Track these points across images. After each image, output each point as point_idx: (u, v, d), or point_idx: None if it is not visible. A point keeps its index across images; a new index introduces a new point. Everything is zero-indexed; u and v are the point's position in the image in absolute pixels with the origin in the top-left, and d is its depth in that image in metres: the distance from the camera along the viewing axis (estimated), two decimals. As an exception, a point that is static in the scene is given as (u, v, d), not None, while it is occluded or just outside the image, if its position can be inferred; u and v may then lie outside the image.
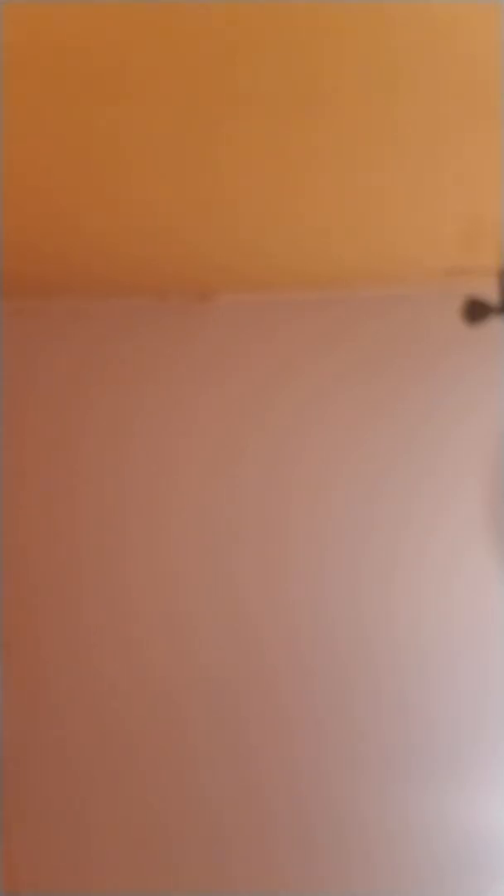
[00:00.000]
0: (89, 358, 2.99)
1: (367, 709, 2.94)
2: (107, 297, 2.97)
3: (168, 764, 2.93)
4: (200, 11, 1.76)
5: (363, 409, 2.97)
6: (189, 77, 1.97)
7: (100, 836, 2.91)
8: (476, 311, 2.56)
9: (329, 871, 2.91)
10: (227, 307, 2.99)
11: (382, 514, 2.96)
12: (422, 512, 2.95)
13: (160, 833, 2.92)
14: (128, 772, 2.93)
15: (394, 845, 2.92)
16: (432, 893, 2.91)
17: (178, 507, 2.97)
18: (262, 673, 2.93)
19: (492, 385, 2.94)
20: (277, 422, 2.97)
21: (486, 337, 2.74)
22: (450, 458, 2.95)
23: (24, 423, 2.96)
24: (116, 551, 2.96)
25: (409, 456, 2.96)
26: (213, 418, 2.98)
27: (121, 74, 1.96)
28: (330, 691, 2.94)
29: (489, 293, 2.58)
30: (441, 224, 2.63)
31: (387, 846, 2.92)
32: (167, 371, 3.00)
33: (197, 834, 2.92)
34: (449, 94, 2.05)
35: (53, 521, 2.96)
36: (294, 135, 2.20)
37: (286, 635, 2.95)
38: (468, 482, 2.95)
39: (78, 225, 2.57)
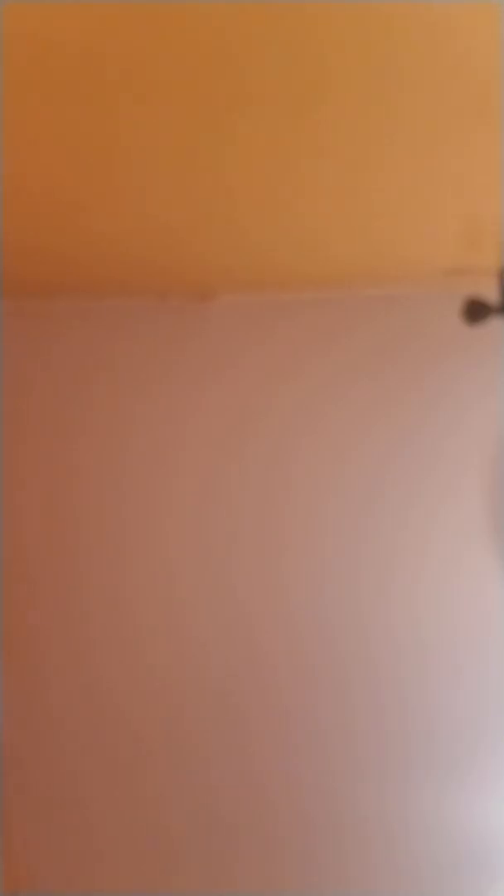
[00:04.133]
0: (89, 358, 2.99)
1: (367, 708, 2.93)
2: (107, 297, 2.97)
3: (168, 765, 2.93)
4: (200, 12, 1.77)
5: (363, 409, 2.97)
6: (189, 77, 1.98)
7: (100, 835, 2.91)
8: (476, 311, 2.56)
9: (329, 870, 2.91)
10: (227, 307, 2.99)
11: (382, 514, 2.96)
12: (421, 512, 2.95)
13: (160, 833, 2.92)
14: (128, 772, 2.93)
15: (394, 845, 2.92)
16: (432, 893, 2.91)
17: (177, 507, 2.97)
18: (262, 674, 2.93)
19: (492, 385, 2.94)
20: (277, 421, 2.97)
21: (486, 337, 2.74)
22: (449, 458, 2.95)
23: (24, 423, 2.96)
24: (116, 550, 2.96)
25: (409, 456, 2.96)
26: (213, 418, 2.98)
27: (121, 74, 1.97)
28: (329, 691, 2.93)
29: (489, 293, 2.58)
30: (441, 224, 2.63)
31: (387, 846, 2.92)
32: (167, 371, 3.00)
33: (197, 834, 2.92)
34: (449, 94, 2.06)
35: (53, 521, 2.96)
36: (294, 135, 2.20)
37: (285, 635, 2.95)
38: (468, 482, 2.95)
39: (78, 225, 2.58)
